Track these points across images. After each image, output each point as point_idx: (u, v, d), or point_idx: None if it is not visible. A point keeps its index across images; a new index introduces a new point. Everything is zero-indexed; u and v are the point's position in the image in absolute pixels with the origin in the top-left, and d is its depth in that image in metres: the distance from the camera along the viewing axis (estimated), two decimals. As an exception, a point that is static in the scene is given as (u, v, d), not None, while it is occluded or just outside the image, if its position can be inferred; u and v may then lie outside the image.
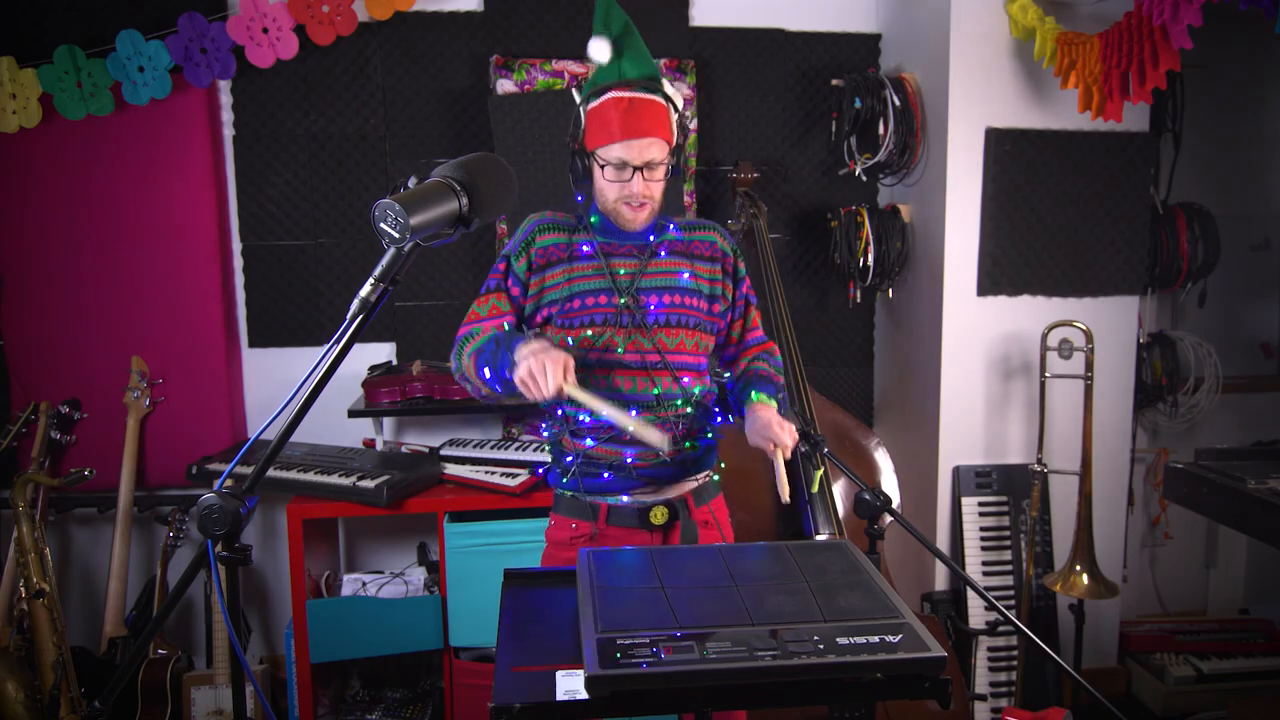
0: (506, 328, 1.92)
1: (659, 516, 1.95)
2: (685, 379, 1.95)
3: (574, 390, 1.69)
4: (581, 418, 1.93)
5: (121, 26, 2.92)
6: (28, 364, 3.15)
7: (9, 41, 2.95)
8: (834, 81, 3.27)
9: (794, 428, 1.87)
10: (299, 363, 3.32)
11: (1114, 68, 2.55)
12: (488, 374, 1.82)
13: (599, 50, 1.92)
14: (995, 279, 3.08)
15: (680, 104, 1.96)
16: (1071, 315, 3.05)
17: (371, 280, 1.28)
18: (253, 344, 3.31)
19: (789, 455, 1.85)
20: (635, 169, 1.85)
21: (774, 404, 1.92)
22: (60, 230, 3.11)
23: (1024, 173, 3.03)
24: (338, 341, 1.26)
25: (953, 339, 3.10)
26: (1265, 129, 3.69)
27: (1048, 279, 3.11)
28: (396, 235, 1.26)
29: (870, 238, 3.26)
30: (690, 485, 2.01)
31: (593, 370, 1.91)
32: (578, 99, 1.94)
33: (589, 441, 1.92)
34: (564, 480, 1.99)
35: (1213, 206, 3.33)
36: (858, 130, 3.25)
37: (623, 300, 1.91)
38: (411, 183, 1.36)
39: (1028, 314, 3.11)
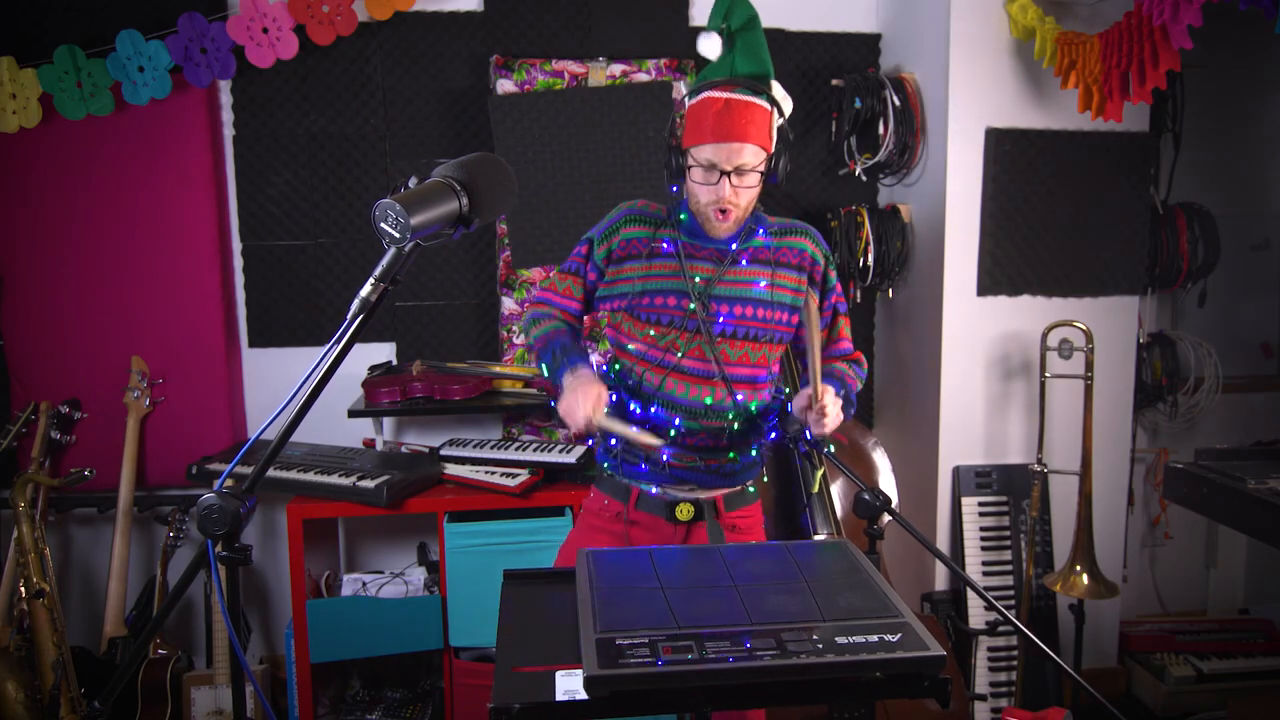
0: (568, 328, 1.98)
1: (684, 513, 1.96)
2: (742, 393, 1.93)
3: (602, 420, 1.78)
4: (631, 409, 1.96)
5: (121, 26, 2.92)
6: (28, 364, 3.15)
7: (9, 41, 2.95)
8: (834, 81, 3.27)
9: (840, 416, 1.83)
10: (299, 363, 3.32)
11: (1114, 68, 2.55)
12: (547, 374, 1.93)
13: (709, 46, 1.88)
14: (995, 279, 3.08)
15: (788, 109, 1.89)
16: (1071, 315, 3.05)
17: (371, 280, 1.27)
18: (253, 344, 3.31)
19: (826, 423, 1.80)
20: (724, 173, 1.82)
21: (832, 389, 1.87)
22: (60, 230, 3.11)
23: (1024, 173, 3.03)
24: (338, 341, 1.26)
25: (953, 339, 3.10)
26: (1265, 129, 3.69)
27: (1048, 279, 3.11)
28: (397, 235, 1.26)
29: (870, 238, 3.26)
30: (724, 491, 2.00)
31: (651, 368, 1.92)
32: (682, 90, 1.93)
33: (633, 429, 1.91)
34: (607, 457, 2.04)
35: (1213, 206, 3.33)
36: (858, 130, 3.25)
37: (692, 305, 1.89)
38: (412, 183, 1.36)
39: (1028, 314, 3.11)
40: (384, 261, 1.28)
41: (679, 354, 1.90)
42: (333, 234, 3.28)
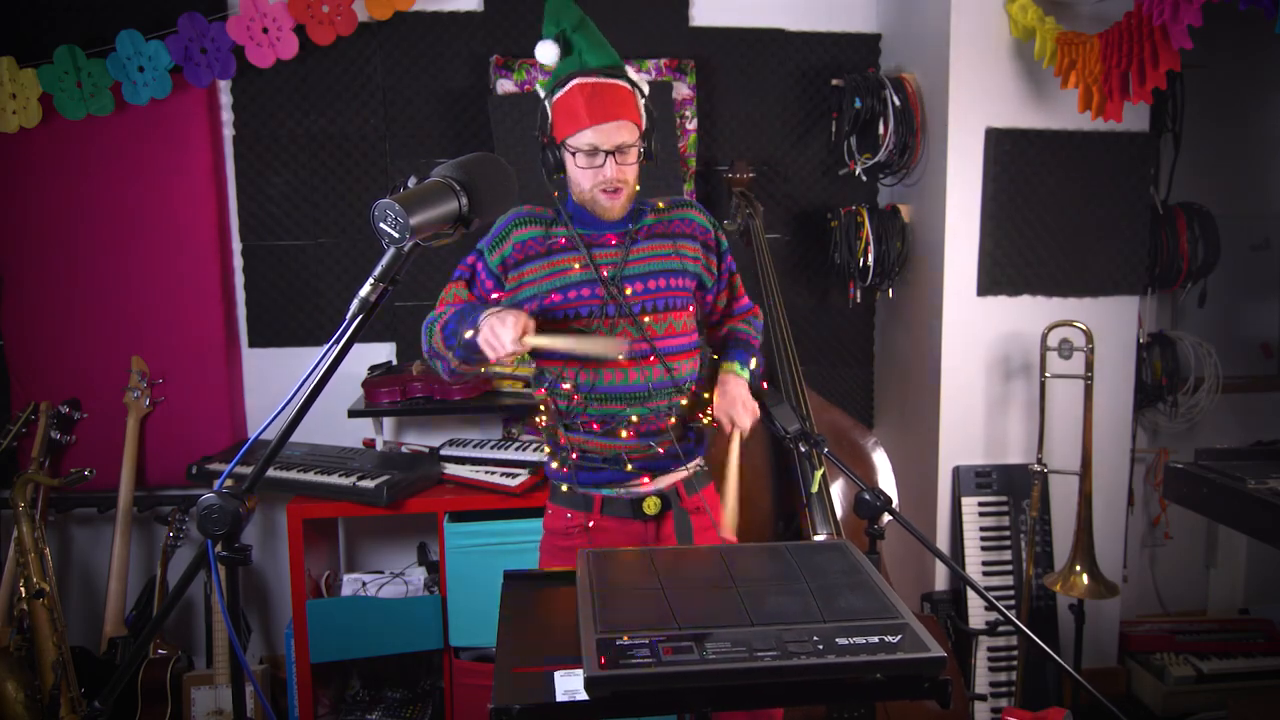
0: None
1: (651, 507, 1.97)
2: (676, 365, 1.96)
3: (534, 338, 1.73)
4: (577, 417, 1.93)
5: (121, 26, 2.92)
6: (28, 364, 3.15)
7: (9, 41, 2.95)
8: (834, 81, 3.27)
9: (756, 406, 1.93)
10: (299, 363, 3.32)
11: (1114, 68, 2.55)
12: (452, 342, 1.84)
13: (545, 52, 1.91)
14: (995, 279, 3.08)
15: (645, 89, 1.95)
16: (1071, 315, 3.04)
17: (371, 280, 1.27)
18: (253, 344, 3.31)
19: (745, 435, 1.92)
20: (607, 153, 1.84)
21: (745, 375, 1.96)
22: (60, 230, 3.11)
23: (1024, 173, 3.03)
24: (338, 341, 1.26)
25: (953, 339, 3.10)
26: (1265, 129, 3.68)
27: (1048, 279, 3.11)
28: (396, 235, 1.26)
29: (870, 238, 3.25)
30: (682, 475, 2.02)
31: (581, 365, 1.92)
32: (542, 94, 1.92)
33: (583, 435, 1.93)
34: (560, 472, 2.01)
35: (1213, 206, 3.33)
36: (858, 130, 3.25)
37: (607, 291, 1.90)
38: (411, 183, 1.36)
39: (1028, 314, 3.11)
40: (384, 261, 1.28)
41: None
42: (333, 234, 3.28)
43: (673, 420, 1.97)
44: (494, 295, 1.95)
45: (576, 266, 1.92)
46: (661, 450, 1.96)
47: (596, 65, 1.87)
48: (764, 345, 2.25)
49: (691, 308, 2.03)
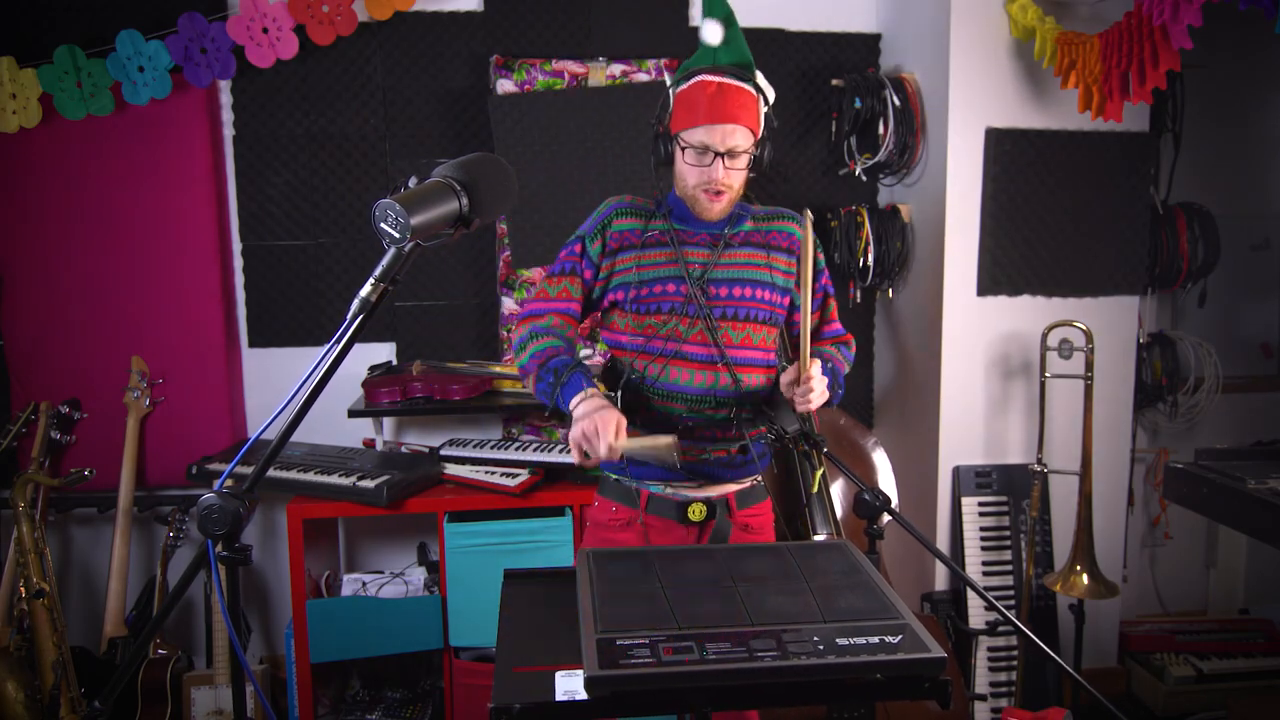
0: (562, 342, 1.88)
1: (697, 513, 1.95)
2: (745, 377, 1.93)
3: (626, 446, 1.70)
4: (635, 403, 1.92)
5: (121, 26, 2.92)
6: (28, 364, 3.15)
7: (9, 41, 2.95)
8: (834, 81, 3.27)
9: (827, 393, 1.85)
10: (299, 363, 3.32)
11: (1114, 68, 2.55)
12: (543, 388, 1.84)
13: (712, 31, 1.88)
14: (995, 279, 3.08)
15: (771, 97, 1.91)
16: (1071, 315, 3.04)
17: (371, 280, 1.27)
18: (253, 344, 3.31)
19: (812, 400, 1.82)
20: (717, 154, 1.83)
21: (824, 378, 1.88)
22: (60, 230, 3.11)
23: (1024, 173, 3.03)
24: (338, 341, 1.26)
25: (953, 339, 3.10)
26: (1265, 129, 3.69)
27: (1048, 279, 3.11)
28: (396, 235, 1.26)
29: (870, 238, 3.25)
30: (734, 487, 2.00)
31: (654, 359, 1.91)
32: (668, 82, 1.91)
33: (640, 428, 1.90)
34: (609, 465, 1.99)
35: (1213, 206, 3.33)
36: (858, 130, 3.25)
37: (691, 290, 1.89)
38: (411, 183, 1.36)
39: (1028, 314, 3.11)
40: (384, 262, 1.28)
41: (680, 340, 1.90)
42: (333, 234, 3.28)
43: (731, 432, 1.95)
44: (595, 284, 1.94)
45: (665, 262, 1.91)
46: (713, 457, 1.95)
47: (729, 62, 1.85)
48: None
49: (776, 325, 1.99)
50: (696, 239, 1.93)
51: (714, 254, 1.92)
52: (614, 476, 2.01)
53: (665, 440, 1.74)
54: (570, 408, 1.77)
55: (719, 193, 1.87)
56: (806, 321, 1.87)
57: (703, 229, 1.94)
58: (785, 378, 1.87)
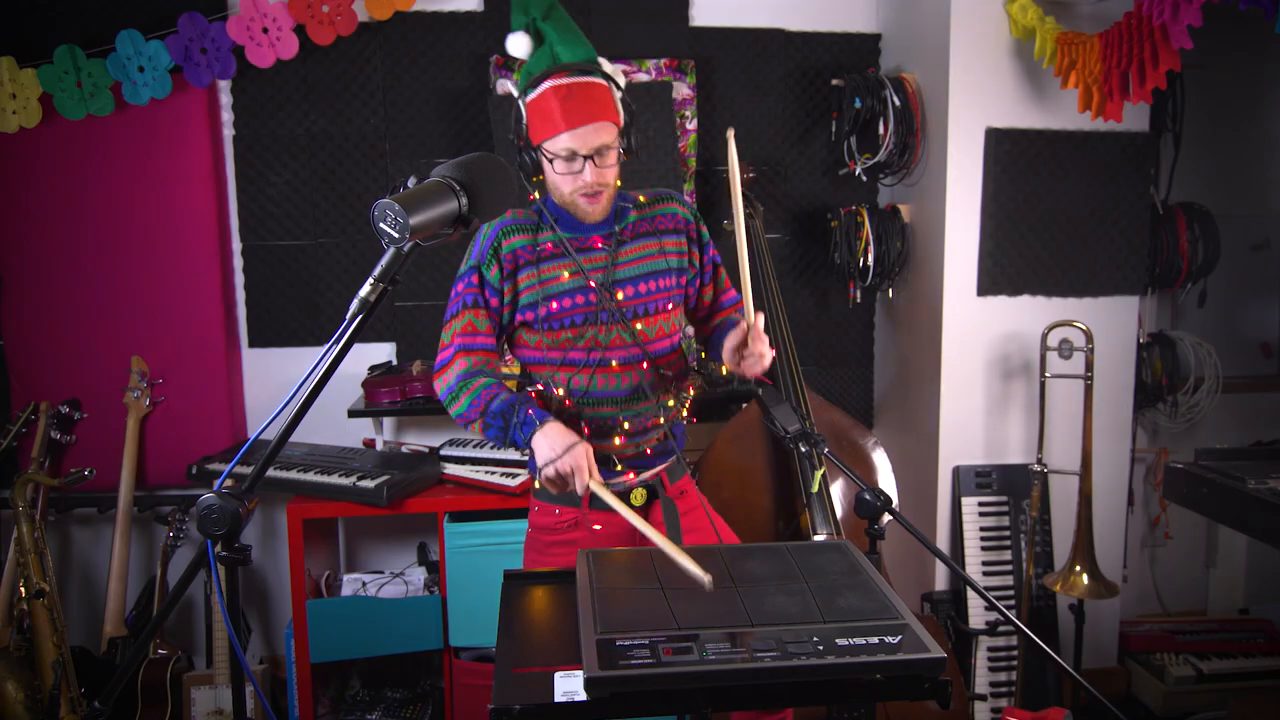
0: (490, 380, 1.85)
1: (638, 498, 1.97)
2: (664, 367, 1.96)
3: (598, 488, 1.69)
4: (566, 415, 1.92)
5: (121, 26, 2.92)
6: (28, 364, 3.15)
7: (9, 41, 2.95)
8: (834, 81, 3.27)
9: (772, 353, 1.84)
10: (299, 363, 3.32)
11: (1114, 68, 2.55)
12: (500, 441, 1.82)
13: (517, 45, 1.87)
14: (995, 279, 3.08)
15: (622, 81, 1.87)
16: (1071, 315, 3.04)
17: (371, 280, 1.28)
18: (253, 344, 3.31)
19: (764, 360, 1.80)
20: (585, 158, 1.80)
21: None
22: (60, 230, 3.11)
23: (1024, 173, 3.03)
24: (338, 341, 1.26)
25: (953, 339, 3.10)
26: (1265, 129, 3.68)
27: (1048, 279, 3.11)
28: (396, 235, 1.26)
29: (870, 238, 3.25)
30: (663, 465, 2.03)
31: (578, 369, 1.91)
32: (515, 93, 1.87)
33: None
34: None
35: (1213, 206, 3.33)
36: (858, 130, 3.25)
37: (599, 297, 1.89)
38: (411, 183, 1.36)
39: (1028, 314, 3.11)
40: (383, 262, 1.28)
41: (602, 348, 1.90)
42: (333, 234, 3.28)
43: (661, 420, 1.98)
44: (501, 310, 1.91)
45: (566, 274, 1.89)
46: (649, 451, 1.97)
47: (569, 59, 1.83)
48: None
49: (681, 305, 2.02)
50: (589, 244, 1.91)
51: (610, 255, 1.91)
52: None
53: (641, 523, 1.68)
54: (533, 446, 1.74)
55: (596, 194, 1.85)
56: (745, 279, 1.78)
57: (592, 232, 1.92)
58: (730, 342, 1.85)
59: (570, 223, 1.91)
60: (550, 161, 1.83)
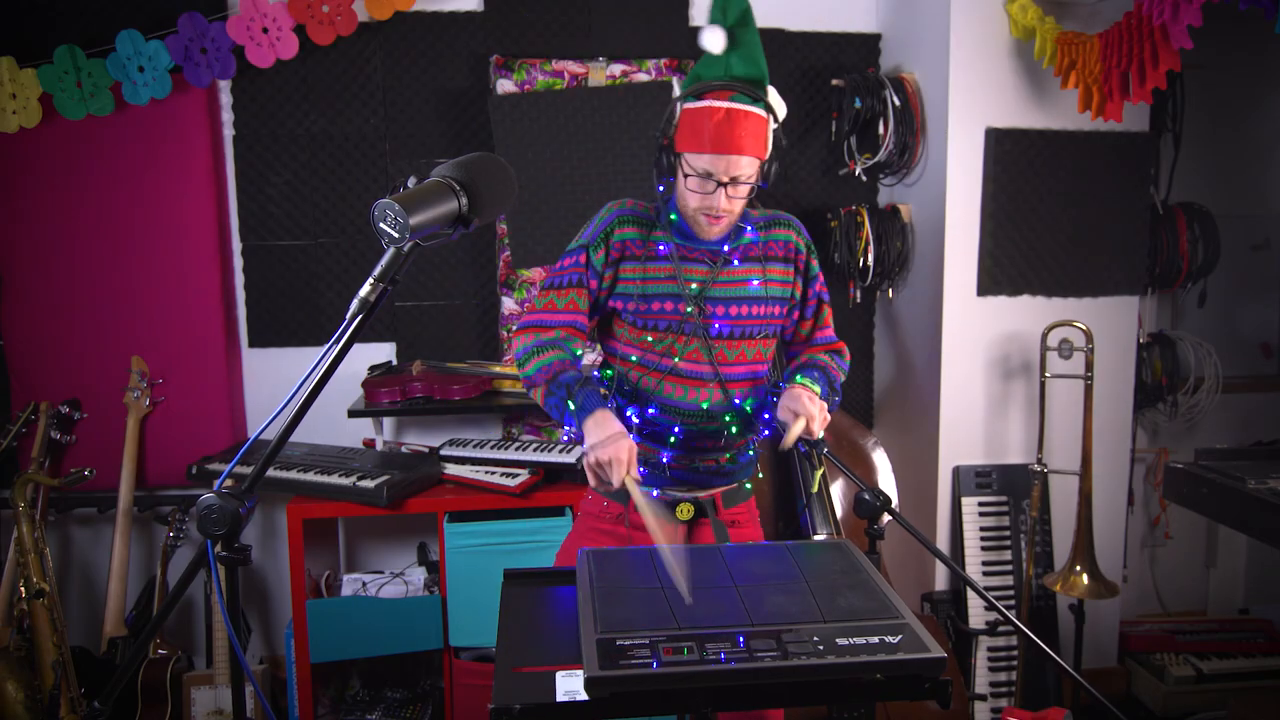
0: (569, 354, 1.85)
1: (684, 513, 1.95)
2: (737, 391, 1.94)
3: (631, 484, 1.70)
4: (629, 415, 1.92)
5: (121, 26, 2.92)
6: (28, 364, 3.15)
7: (9, 41, 2.95)
8: (834, 81, 3.27)
9: (827, 418, 1.83)
10: (299, 363, 3.32)
11: (1114, 68, 2.55)
12: (557, 414, 1.82)
13: (713, 40, 1.81)
14: (995, 279, 3.08)
15: (782, 114, 1.86)
16: (1071, 315, 3.05)
17: (371, 280, 1.27)
18: (253, 344, 3.31)
19: (815, 432, 1.80)
20: (720, 184, 1.80)
21: (817, 388, 1.87)
22: (60, 230, 3.11)
23: (1024, 173, 3.03)
24: (337, 341, 1.26)
25: (953, 339, 3.10)
26: (1265, 129, 3.68)
27: (1048, 279, 3.11)
28: (396, 235, 1.25)
29: (870, 238, 3.25)
30: (721, 488, 2.00)
31: (649, 372, 1.91)
32: (677, 90, 1.88)
33: (633, 436, 1.89)
34: None
35: (1213, 206, 3.33)
36: (858, 130, 3.25)
37: (689, 309, 1.88)
38: (411, 183, 1.37)
39: (1028, 314, 3.11)
40: (383, 262, 1.28)
41: (675, 358, 1.90)
42: (333, 234, 3.28)
43: (721, 442, 1.96)
44: (600, 294, 1.91)
45: (666, 279, 1.89)
46: (702, 467, 1.96)
47: (742, 75, 1.80)
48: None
49: (773, 337, 1.99)
50: (696, 255, 1.91)
51: (713, 271, 1.91)
52: None
53: (668, 529, 1.72)
54: (584, 429, 1.75)
55: (719, 217, 1.85)
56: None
57: (703, 245, 1.91)
58: (791, 431, 1.83)
59: (685, 231, 1.91)
60: (687, 176, 1.82)
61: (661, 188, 1.92)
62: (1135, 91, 2.52)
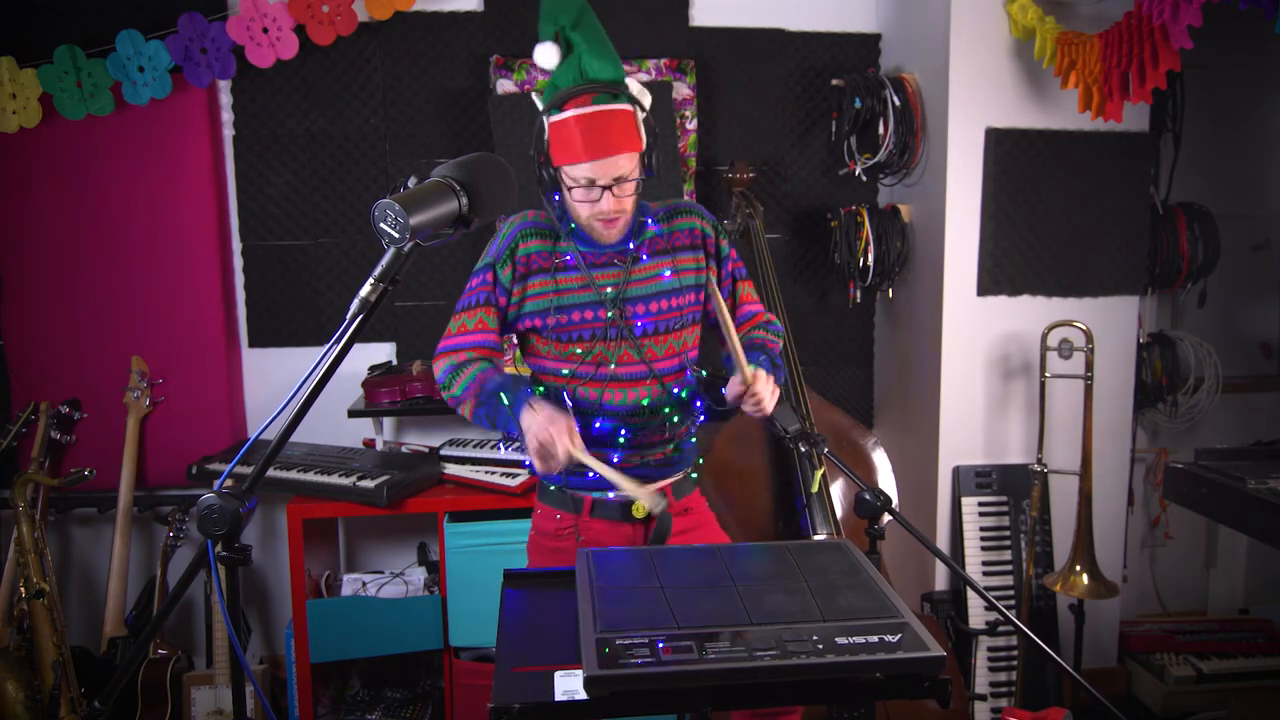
0: (491, 365, 1.87)
1: (639, 511, 1.96)
2: (674, 383, 1.96)
3: (580, 454, 1.70)
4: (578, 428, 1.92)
5: (121, 26, 2.92)
6: (28, 364, 3.15)
7: (9, 41, 2.95)
8: (834, 81, 3.27)
9: (776, 389, 1.86)
10: (299, 363, 3.32)
11: (1114, 68, 2.55)
12: (490, 423, 1.82)
13: (545, 56, 1.81)
14: (995, 279, 3.08)
15: (647, 102, 1.84)
16: (1071, 315, 3.04)
17: (371, 280, 1.28)
18: (253, 344, 3.31)
19: (766, 410, 1.85)
20: (604, 187, 1.79)
21: (760, 370, 1.89)
22: (60, 230, 3.11)
23: (1024, 173, 3.03)
24: (338, 341, 1.26)
25: (953, 339, 3.10)
26: (1265, 129, 3.68)
27: (1048, 279, 3.11)
28: (396, 235, 1.26)
29: (870, 238, 3.25)
30: (671, 480, 2.02)
31: (584, 383, 1.92)
32: (539, 105, 1.84)
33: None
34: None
35: (1213, 206, 3.33)
36: (858, 130, 3.25)
37: (609, 314, 1.89)
38: (411, 183, 1.37)
39: (1028, 314, 3.11)
40: (383, 262, 1.28)
41: (610, 364, 1.90)
42: (333, 234, 3.28)
43: (665, 435, 1.98)
44: (509, 310, 1.91)
45: (579, 289, 1.89)
46: (652, 461, 1.97)
47: (597, 75, 1.79)
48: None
49: (696, 324, 2.00)
50: (605, 259, 1.90)
51: (624, 272, 1.90)
52: (554, 486, 2.00)
53: (628, 483, 1.73)
54: (520, 421, 1.74)
55: (613, 220, 1.84)
56: (734, 341, 1.84)
57: (609, 249, 1.90)
58: (732, 390, 1.87)
59: (588, 238, 1.90)
60: (570, 188, 1.82)
61: (554, 200, 1.91)
62: (1135, 91, 2.52)
